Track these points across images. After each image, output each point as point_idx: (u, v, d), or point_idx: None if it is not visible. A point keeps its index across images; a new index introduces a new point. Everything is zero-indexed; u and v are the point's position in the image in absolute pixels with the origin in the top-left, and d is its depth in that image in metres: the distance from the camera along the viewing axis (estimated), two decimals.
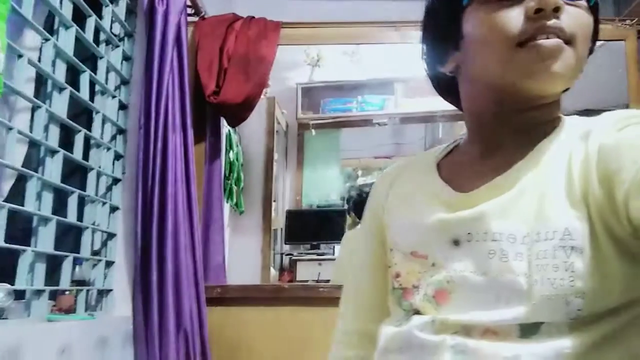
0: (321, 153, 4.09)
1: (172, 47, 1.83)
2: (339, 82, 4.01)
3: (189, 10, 2.26)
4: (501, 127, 0.71)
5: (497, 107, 0.71)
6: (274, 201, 3.73)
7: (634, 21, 2.12)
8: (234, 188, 3.14)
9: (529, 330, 0.59)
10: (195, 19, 2.25)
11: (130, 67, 1.97)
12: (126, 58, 1.96)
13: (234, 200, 3.15)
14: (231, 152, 3.10)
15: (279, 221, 3.84)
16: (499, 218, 0.64)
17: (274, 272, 3.53)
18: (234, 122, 2.28)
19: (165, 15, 1.82)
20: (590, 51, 0.72)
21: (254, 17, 2.24)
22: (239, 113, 2.18)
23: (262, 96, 3.46)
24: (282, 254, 3.85)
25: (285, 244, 3.84)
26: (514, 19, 0.64)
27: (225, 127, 3.05)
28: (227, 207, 3.21)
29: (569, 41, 0.64)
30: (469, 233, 0.66)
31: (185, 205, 1.86)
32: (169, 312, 1.77)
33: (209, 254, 2.19)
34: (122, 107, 1.94)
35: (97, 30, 1.76)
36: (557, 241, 0.59)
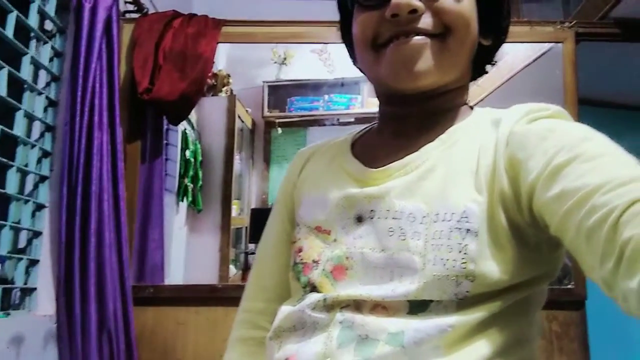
0: (288, 151, 4.08)
1: (99, 43, 1.81)
2: (306, 81, 4.00)
3: (131, 7, 2.26)
4: (408, 113, 0.72)
5: (395, 98, 0.73)
6: (238, 199, 3.72)
7: (573, 24, 2.11)
8: (190, 186, 3.12)
9: (417, 307, 0.60)
10: (137, 15, 2.24)
11: (61, 64, 1.95)
12: (58, 54, 1.94)
13: (190, 198, 3.13)
14: (187, 150, 3.09)
15: (244, 219, 3.83)
16: (402, 197, 0.65)
17: (234, 271, 3.52)
18: (174, 120, 2.26)
19: (93, 11, 1.81)
20: (503, 31, 0.74)
21: (195, 15, 2.22)
22: (177, 111, 2.16)
23: (223, 94, 3.48)
24: (246, 252, 3.84)
25: (250, 242, 3.82)
26: (373, 21, 0.67)
27: (182, 125, 3.04)
28: (184, 206, 3.20)
29: (439, 34, 0.65)
30: (372, 210, 0.66)
31: (112, 204, 1.84)
32: (91, 311, 1.75)
33: (146, 253, 2.17)
34: (52, 103, 1.91)
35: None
36: (454, 223, 0.60)
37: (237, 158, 3.49)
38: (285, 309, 0.70)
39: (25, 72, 1.76)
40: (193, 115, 3.28)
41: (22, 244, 1.82)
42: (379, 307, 0.62)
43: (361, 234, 0.66)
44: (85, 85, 1.77)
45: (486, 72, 0.80)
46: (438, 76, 0.66)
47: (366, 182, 0.69)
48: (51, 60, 1.91)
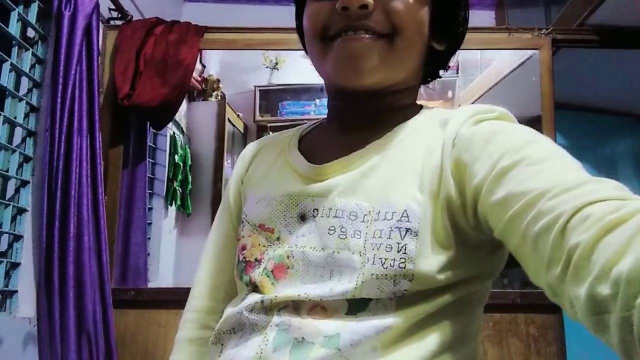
0: None
1: (78, 50, 1.84)
2: (297, 85, 4.03)
3: (115, 14, 2.29)
4: (356, 109, 0.72)
5: (342, 94, 0.72)
6: None
7: (549, 31, 2.13)
8: (179, 190, 3.16)
9: (356, 306, 0.60)
10: (120, 22, 2.27)
11: (43, 70, 1.98)
12: (40, 61, 1.97)
13: (178, 202, 3.16)
14: (176, 155, 3.12)
15: None
16: (345, 195, 0.64)
17: None
18: (157, 126, 2.29)
19: (72, 19, 1.84)
20: (458, 38, 0.74)
21: (178, 22, 2.26)
22: (158, 116, 2.19)
23: (213, 99, 3.51)
24: None
25: None
26: (323, 13, 0.66)
27: (169, 129, 3.08)
28: (173, 209, 3.23)
29: (388, 34, 0.65)
30: (315, 209, 0.66)
31: (91, 208, 1.87)
32: (69, 314, 1.78)
33: (128, 256, 2.20)
34: (34, 109, 1.95)
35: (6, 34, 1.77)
36: (395, 222, 0.60)
37: (227, 162, 3.53)
38: (227, 311, 0.69)
39: (7, 78, 1.80)
40: (182, 120, 3.32)
41: (3, 247, 1.85)
42: (318, 307, 0.61)
43: (304, 233, 0.65)
44: (64, 91, 1.80)
45: (439, 77, 0.80)
46: (383, 76, 0.66)
47: (310, 178, 0.69)
48: (33, 67, 1.94)
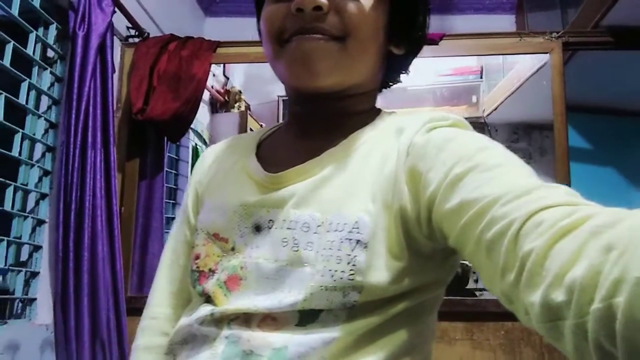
0: None
1: (92, 68, 1.92)
2: None
3: (132, 32, 2.38)
4: (313, 113, 0.72)
5: (299, 96, 0.72)
6: None
7: (560, 34, 2.09)
8: None
9: (307, 317, 0.59)
10: (138, 40, 2.36)
11: (62, 88, 2.08)
12: (58, 79, 2.07)
13: None
14: None
15: None
16: (298, 205, 0.64)
17: None
18: (172, 138, 2.36)
19: (86, 39, 1.92)
20: (417, 42, 0.73)
21: (191, 37, 2.32)
22: (172, 129, 2.26)
23: (235, 110, 3.58)
24: None
25: None
26: (278, 15, 0.66)
27: (191, 141, 3.16)
28: None
29: (340, 37, 0.64)
30: (270, 220, 0.65)
31: (105, 219, 1.94)
32: (84, 321, 1.85)
33: (145, 266, 2.27)
34: (53, 126, 2.04)
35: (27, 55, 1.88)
36: (345, 233, 0.59)
37: None
38: (179, 322, 0.69)
39: (28, 97, 1.90)
40: (205, 132, 3.39)
41: (24, 257, 1.94)
42: (269, 318, 0.61)
43: (258, 244, 0.65)
44: (79, 107, 1.89)
45: (400, 81, 0.79)
46: (337, 78, 0.66)
47: (266, 187, 0.68)
48: (52, 85, 2.04)
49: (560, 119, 1.98)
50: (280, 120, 4.05)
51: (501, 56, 3.24)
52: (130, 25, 2.33)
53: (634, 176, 2.76)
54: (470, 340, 1.99)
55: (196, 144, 3.20)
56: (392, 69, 0.76)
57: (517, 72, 3.03)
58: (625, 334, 0.32)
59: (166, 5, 2.84)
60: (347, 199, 0.62)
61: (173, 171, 3.02)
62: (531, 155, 3.45)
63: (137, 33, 2.36)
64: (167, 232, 2.92)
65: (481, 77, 3.65)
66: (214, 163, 0.80)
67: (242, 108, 3.59)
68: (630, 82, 2.49)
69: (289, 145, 0.73)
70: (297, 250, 0.61)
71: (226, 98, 3.51)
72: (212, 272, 0.68)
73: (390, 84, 0.79)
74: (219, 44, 2.30)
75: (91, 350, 1.86)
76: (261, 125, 3.90)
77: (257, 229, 0.66)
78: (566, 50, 2.12)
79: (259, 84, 4.14)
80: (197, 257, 0.70)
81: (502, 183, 0.50)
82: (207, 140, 3.41)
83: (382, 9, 0.67)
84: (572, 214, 0.42)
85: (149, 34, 2.38)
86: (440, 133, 0.62)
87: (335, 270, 0.58)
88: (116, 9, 2.07)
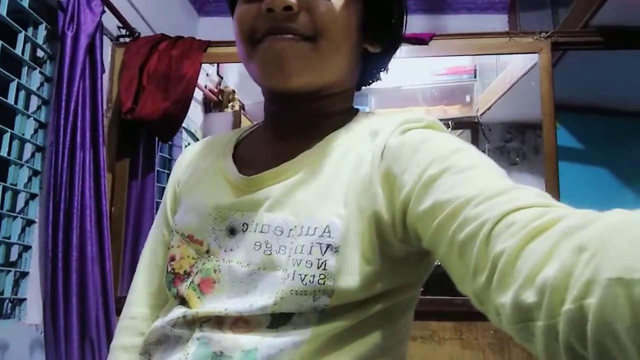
0: None
1: (81, 68, 1.92)
2: None
3: (123, 32, 2.38)
4: (288, 113, 0.71)
5: (274, 97, 0.72)
6: None
7: (549, 34, 2.09)
8: None
9: (279, 320, 0.59)
10: (129, 40, 2.36)
11: (52, 88, 2.08)
12: (48, 79, 2.07)
13: None
14: None
15: None
16: (272, 209, 0.64)
17: None
18: (163, 138, 2.36)
19: (75, 39, 1.92)
20: (393, 40, 0.72)
21: (182, 37, 2.32)
22: (163, 129, 2.26)
23: (229, 109, 3.58)
24: None
25: None
26: (250, 15, 0.65)
27: (184, 141, 3.16)
28: None
29: (312, 36, 0.64)
30: (244, 223, 0.65)
31: (94, 219, 1.94)
32: (73, 321, 1.85)
33: (136, 265, 2.26)
34: (42, 126, 2.04)
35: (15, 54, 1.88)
36: (316, 237, 0.59)
37: None
38: (154, 323, 0.69)
39: (18, 97, 1.90)
40: (198, 132, 3.40)
41: (13, 257, 1.94)
42: (240, 321, 0.60)
43: (232, 247, 0.65)
44: (67, 107, 1.89)
45: (379, 79, 0.79)
46: (310, 78, 0.65)
47: (241, 189, 0.68)
48: (42, 85, 2.04)
49: (549, 119, 1.99)
50: None
51: (495, 56, 3.25)
52: (121, 25, 2.33)
53: (624, 176, 2.77)
54: (459, 339, 2.00)
55: (189, 144, 3.20)
56: (369, 67, 0.75)
57: (510, 72, 3.04)
58: (596, 335, 0.32)
59: (159, 5, 2.84)
60: (320, 204, 0.62)
61: (166, 171, 3.02)
62: (525, 154, 3.46)
63: (127, 33, 2.36)
64: None
65: (475, 77, 3.65)
66: (191, 163, 0.79)
67: (236, 108, 3.59)
68: (620, 82, 2.49)
69: (265, 147, 0.73)
70: (270, 254, 0.61)
71: (220, 97, 3.51)
72: (187, 274, 0.68)
73: (370, 82, 0.78)
74: (210, 44, 2.30)
75: (80, 350, 1.86)
76: None
77: (232, 232, 0.66)
78: (556, 50, 2.12)
79: (253, 84, 4.06)
80: (173, 259, 0.70)
81: (475, 184, 0.50)
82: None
83: (355, 8, 0.67)
84: (543, 215, 0.42)
85: (139, 33, 2.38)
86: (415, 135, 0.62)
87: (305, 275, 0.58)
88: (106, 9, 2.07)
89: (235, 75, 3.95)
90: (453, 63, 3.49)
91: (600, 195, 2.73)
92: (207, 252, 0.67)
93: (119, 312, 2.00)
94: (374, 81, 0.79)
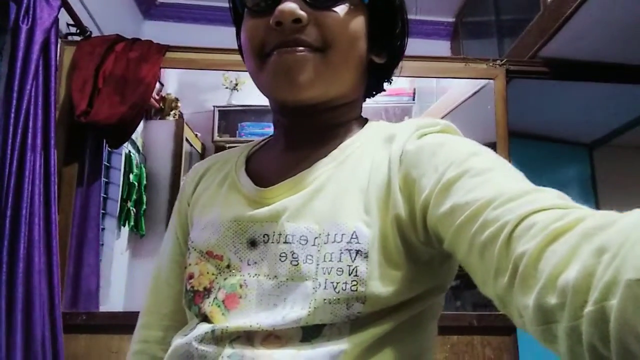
0: None
1: (35, 65, 1.79)
2: (257, 107, 4.03)
3: (73, 30, 2.24)
4: (299, 125, 0.71)
5: (284, 109, 0.71)
6: None
7: (504, 62, 2.22)
8: (132, 210, 3.08)
9: (311, 332, 0.58)
10: (80, 38, 2.23)
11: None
12: None
13: (132, 223, 3.08)
14: (131, 174, 3.05)
15: None
16: (293, 219, 0.63)
17: None
18: (113, 144, 2.24)
19: (30, 33, 1.79)
20: (397, 50, 0.73)
21: (139, 39, 2.23)
22: (116, 134, 2.14)
23: (171, 118, 3.47)
24: None
25: None
26: (259, 29, 0.65)
27: (125, 148, 3.01)
28: (125, 230, 3.14)
29: (321, 48, 0.64)
30: (265, 234, 0.64)
31: (43, 228, 1.80)
32: (16, 339, 1.69)
33: (80, 278, 2.12)
34: None
35: None
36: (344, 244, 0.59)
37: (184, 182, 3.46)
38: (175, 341, 0.66)
39: None
40: (139, 139, 3.26)
41: None
42: (272, 336, 0.59)
43: (255, 260, 0.63)
44: (19, 106, 1.75)
45: (384, 90, 0.80)
46: (320, 90, 0.66)
47: (258, 202, 0.67)
48: None
49: (504, 143, 2.10)
50: (216, 132, 3.97)
51: (434, 80, 3.40)
52: (71, 22, 2.20)
53: None
54: None
55: (130, 151, 3.06)
56: (374, 78, 0.76)
57: (451, 96, 3.18)
58: (619, 336, 0.33)
59: (105, 4, 2.71)
60: (342, 210, 0.62)
61: (104, 179, 2.86)
62: None
63: (78, 31, 2.23)
64: (101, 244, 2.75)
65: (414, 100, 3.79)
66: (202, 180, 0.78)
67: (177, 116, 3.48)
68: (559, 111, 2.69)
69: (278, 158, 0.73)
70: (297, 265, 0.60)
71: (162, 105, 3.39)
72: (207, 291, 0.66)
73: (374, 92, 0.80)
74: (169, 48, 2.22)
75: None
76: (196, 135, 3.80)
77: (253, 244, 0.65)
78: (507, 78, 2.25)
79: (193, 93, 4.04)
80: (191, 277, 0.68)
81: (493, 187, 0.50)
82: (140, 148, 3.27)
83: (362, 19, 0.68)
84: (564, 216, 0.42)
85: (91, 32, 2.25)
86: (431, 139, 0.63)
87: (337, 282, 0.58)
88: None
89: (175, 83, 3.84)
90: (393, 85, 3.61)
91: None
92: (228, 266, 0.65)
93: (65, 329, 1.87)
94: (378, 92, 0.80)
